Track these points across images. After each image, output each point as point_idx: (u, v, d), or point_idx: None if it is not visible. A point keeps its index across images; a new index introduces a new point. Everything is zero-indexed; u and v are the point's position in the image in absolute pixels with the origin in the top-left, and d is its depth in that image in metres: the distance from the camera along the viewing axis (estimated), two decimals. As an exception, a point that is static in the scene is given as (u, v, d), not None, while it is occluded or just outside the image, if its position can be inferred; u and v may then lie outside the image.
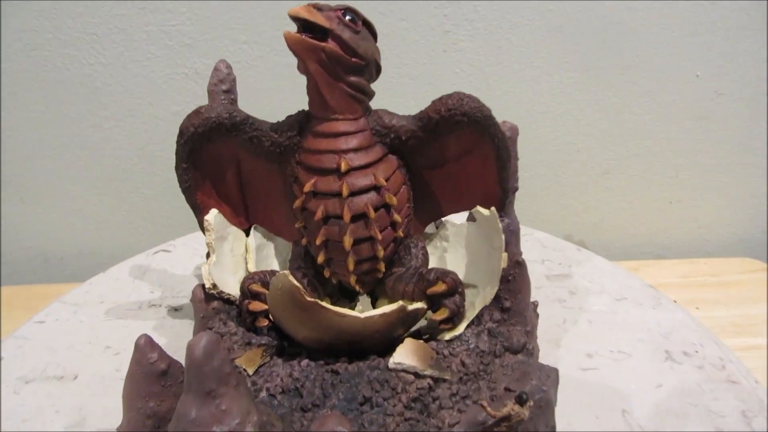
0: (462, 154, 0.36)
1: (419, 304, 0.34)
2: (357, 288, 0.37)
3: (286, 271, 0.32)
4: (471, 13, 0.60)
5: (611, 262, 0.56)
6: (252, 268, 0.40)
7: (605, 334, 0.45)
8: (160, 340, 0.44)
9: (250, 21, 0.61)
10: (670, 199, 0.70)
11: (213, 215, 0.38)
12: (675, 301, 0.62)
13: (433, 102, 0.34)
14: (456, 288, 0.33)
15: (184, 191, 0.38)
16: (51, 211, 0.69)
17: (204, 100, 0.63)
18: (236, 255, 0.40)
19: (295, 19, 0.31)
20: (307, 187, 0.34)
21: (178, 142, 0.36)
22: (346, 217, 0.33)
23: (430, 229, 0.43)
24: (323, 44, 0.32)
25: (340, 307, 0.31)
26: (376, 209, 0.34)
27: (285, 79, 0.62)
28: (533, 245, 0.59)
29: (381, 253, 0.35)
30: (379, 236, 0.34)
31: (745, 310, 0.60)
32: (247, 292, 0.36)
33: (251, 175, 0.39)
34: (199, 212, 0.39)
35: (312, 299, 0.31)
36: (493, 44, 0.62)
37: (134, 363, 0.29)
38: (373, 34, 0.35)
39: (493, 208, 0.36)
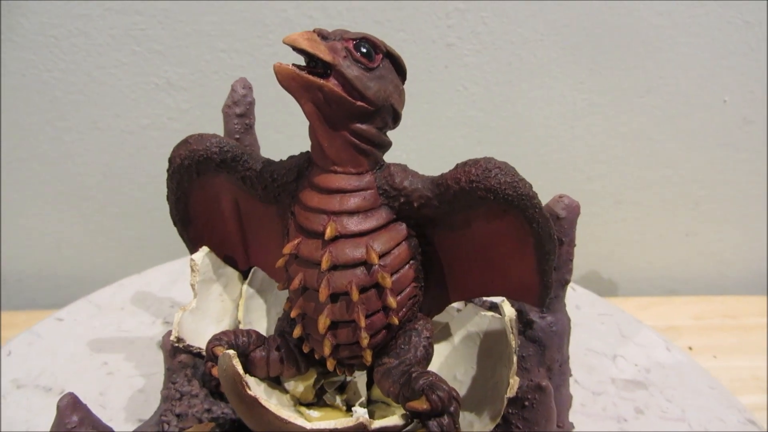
0: (493, 232, 0.29)
1: (389, 422, 0.27)
2: (338, 372, 0.31)
3: (232, 352, 0.27)
4: (478, 26, 0.54)
5: (711, 376, 0.45)
6: (241, 317, 0.35)
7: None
8: (150, 368, 0.43)
9: (229, 26, 0.54)
10: (686, 231, 0.65)
11: (201, 254, 0.34)
12: (690, 348, 0.58)
13: (456, 167, 0.28)
14: (443, 408, 0.26)
15: (174, 224, 0.34)
16: (7, 230, 0.62)
17: (177, 114, 0.58)
18: (226, 300, 0.36)
19: (293, 48, 0.25)
20: (288, 248, 0.28)
21: (167, 171, 0.32)
22: (322, 294, 0.27)
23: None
24: (320, 82, 0.25)
25: (288, 411, 0.26)
26: (363, 290, 0.28)
27: (269, 95, 0.56)
28: (610, 331, 0.47)
29: (365, 342, 0.29)
30: (363, 322, 0.28)
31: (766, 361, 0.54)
32: (210, 355, 0.30)
33: (250, 214, 0.33)
34: (193, 247, 0.35)
35: (252, 395, 0.26)
36: (502, 61, 0.56)
37: (54, 425, 0.28)
38: (401, 72, 0.29)
39: (511, 316, 0.29)
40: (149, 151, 0.59)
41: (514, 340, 0.28)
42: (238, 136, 0.38)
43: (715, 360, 0.55)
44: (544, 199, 0.28)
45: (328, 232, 0.27)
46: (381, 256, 0.28)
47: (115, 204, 0.61)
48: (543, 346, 0.29)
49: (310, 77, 0.25)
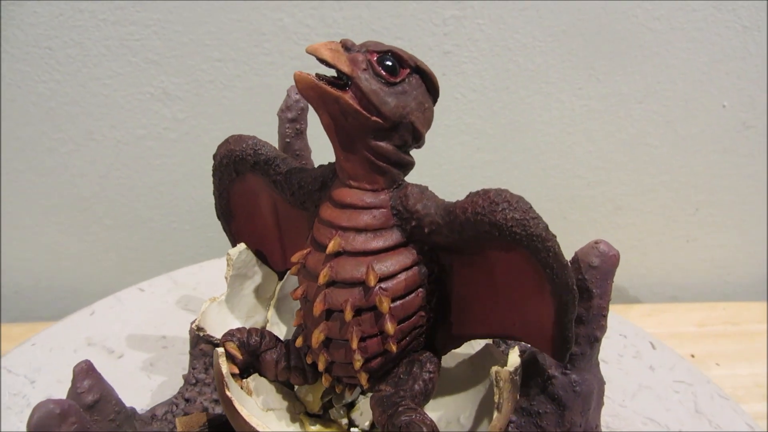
0: (509, 268, 0.26)
1: None
2: (337, 390, 0.30)
3: (221, 350, 0.28)
4: (475, 33, 0.54)
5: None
6: (270, 317, 0.36)
7: None
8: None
9: (225, 35, 0.54)
10: (687, 237, 0.64)
11: (237, 250, 0.35)
12: (693, 356, 0.57)
13: (468, 195, 0.26)
14: None
15: (218, 218, 0.35)
16: (3, 242, 0.62)
17: (173, 123, 0.57)
18: (259, 298, 0.36)
19: (316, 57, 0.25)
20: (296, 257, 0.28)
21: (212, 167, 0.34)
22: (317, 309, 0.27)
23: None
24: (337, 94, 0.24)
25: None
26: (359, 311, 0.27)
27: (265, 103, 0.56)
28: (682, 402, 0.39)
29: (358, 364, 0.27)
30: (355, 344, 0.27)
31: (770, 368, 0.54)
32: None
33: (286, 217, 0.33)
34: (235, 242, 0.35)
35: (228, 395, 0.26)
36: (499, 67, 0.55)
37: (70, 389, 0.29)
38: (432, 90, 0.28)
39: (507, 368, 0.27)
40: (145, 162, 0.58)
41: (498, 394, 0.26)
42: (288, 140, 0.39)
43: (718, 368, 0.54)
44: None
45: (330, 247, 0.26)
46: (383, 279, 0.27)
47: (112, 215, 0.61)
48: (563, 406, 0.26)
49: (327, 88, 0.24)
